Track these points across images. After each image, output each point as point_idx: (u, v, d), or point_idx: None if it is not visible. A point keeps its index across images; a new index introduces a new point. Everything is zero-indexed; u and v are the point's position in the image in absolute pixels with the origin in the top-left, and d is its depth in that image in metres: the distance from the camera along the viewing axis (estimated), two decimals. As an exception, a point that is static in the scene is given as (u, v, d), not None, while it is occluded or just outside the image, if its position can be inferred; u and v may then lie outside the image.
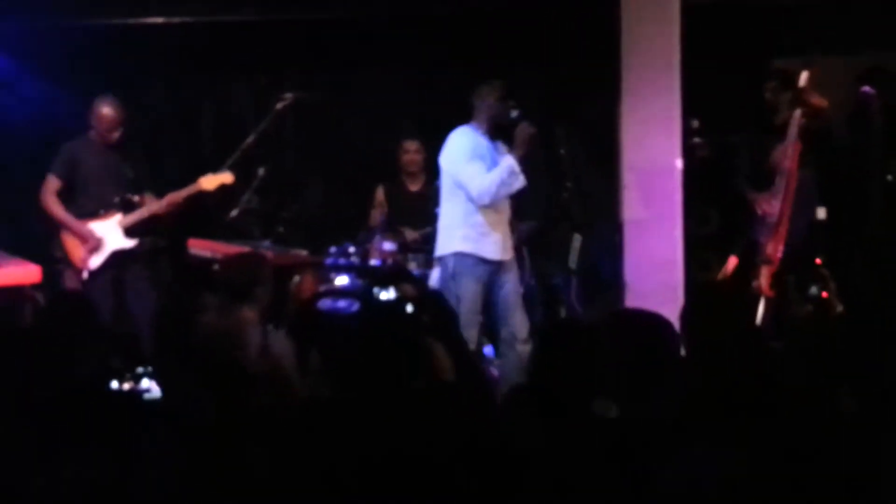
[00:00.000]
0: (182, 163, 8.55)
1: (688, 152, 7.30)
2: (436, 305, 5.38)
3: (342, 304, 6.92)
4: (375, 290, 6.77)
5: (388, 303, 5.71)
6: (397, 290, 6.66)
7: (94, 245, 7.34)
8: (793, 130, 6.99)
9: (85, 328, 4.68)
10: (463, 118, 6.81)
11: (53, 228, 7.46)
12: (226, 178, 7.48)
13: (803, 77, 7.00)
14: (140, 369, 4.59)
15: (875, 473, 3.34)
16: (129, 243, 7.42)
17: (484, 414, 3.96)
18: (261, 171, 7.68)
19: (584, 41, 7.70)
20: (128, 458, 3.61)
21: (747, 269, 6.98)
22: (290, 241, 7.77)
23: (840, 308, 6.53)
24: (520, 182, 6.64)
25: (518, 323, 6.69)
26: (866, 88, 7.27)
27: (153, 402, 4.46)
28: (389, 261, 7.45)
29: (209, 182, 7.44)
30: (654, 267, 6.96)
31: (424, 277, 7.22)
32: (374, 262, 7.45)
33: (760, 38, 8.35)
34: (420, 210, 7.69)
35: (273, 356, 5.14)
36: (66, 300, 5.35)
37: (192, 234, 7.65)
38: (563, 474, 3.51)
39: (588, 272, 8.01)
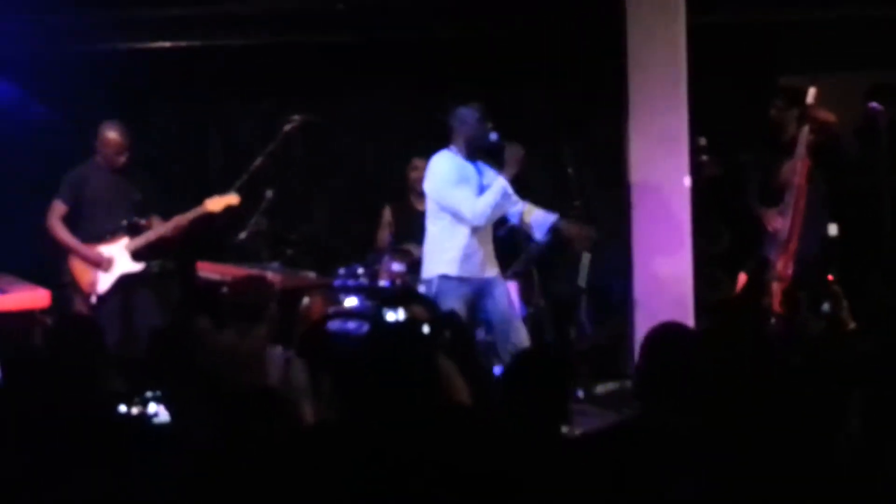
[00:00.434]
0: (190, 186, 8.55)
1: (696, 170, 7.30)
2: (452, 325, 5.37)
3: (352, 325, 6.91)
4: (385, 311, 6.78)
5: (397, 324, 5.70)
6: (407, 310, 6.67)
7: (106, 266, 7.35)
8: (801, 147, 6.99)
9: (91, 352, 4.66)
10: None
11: (60, 253, 7.46)
12: (231, 199, 7.48)
13: (811, 94, 7.00)
14: (149, 393, 4.57)
15: (880, 491, 3.33)
16: (137, 267, 7.42)
17: (500, 436, 3.93)
18: (269, 194, 7.68)
19: (592, 61, 7.71)
20: (136, 482, 3.59)
21: (758, 287, 6.96)
22: (298, 263, 7.76)
23: (853, 325, 6.50)
24: (512, 203, 6.68)
25: (519, 338, 6.70)
26: (874, 104, 7.26)
27: (162, 426, 4.44)
28: (398, 282, 7.43)
29: (215, 204, 7.44)
30: (664, 285, 6.94)
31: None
32: (383, 283, 7.44)
33: (767, 56, 8.36)
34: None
35: (291, 378, 5.14)
36: (72, 324, 5.33)
37: (200, 257, 7.65)
38: (572, 496, 3.50)
39: (598, 291, 8.00)
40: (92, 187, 7.44)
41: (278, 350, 5.36)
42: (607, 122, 7.72)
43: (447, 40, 8.28)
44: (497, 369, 7.14)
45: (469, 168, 6.76)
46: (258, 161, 7.71)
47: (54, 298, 7.29)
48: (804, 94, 7.04)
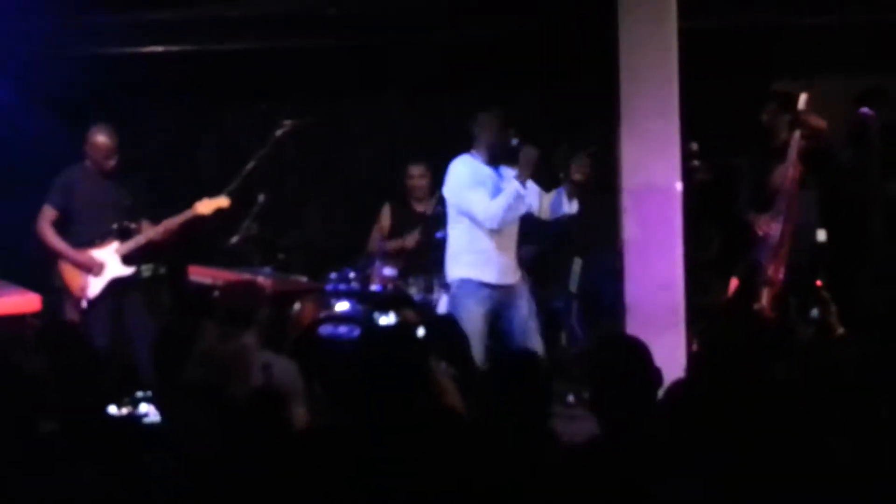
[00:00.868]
0: (183, 190, 8.54)
1: (687, 175, 7.30)
2: (447, 330, 5.38)
3: (343, 329, 6.92)
4: (376, 315, 6.79)
5: (388, 328, 5.71)
6: (398, 315, 6.68)
7: (96, 270, 7.34)
8: (793, 152, 7.00)
9: (76, 355, 4.66)
10: (465, 142, 6.85)
11: (51, 258, 7.45)
12: (222, 202, 7.47)
13: (802, 99, 7.02)
14: (139, 393, 4.57)
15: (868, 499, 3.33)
16: (128, 271, 7.41)
17: (491, 440, 3.93)
18: (261, 198, 7.68)
19: (584, 65, 7.72)
20: (127, 483, 3.59)
21: (749, 292, 6.97)
22: (290, 268, 7.77)
23: (841, 330, 6.52)
24: (526, 206, 6.69)
25: (536, 349, 6.71)
26: (865, 109, 7.28)
27: (152, 426, 4.45)
28: (390, 286, 7.45)
29: (205, 206, 7.44)
30: (655, 290, 6.94)
31: (426, 302, 7.22)
32: (374, 287, 7.46)
33: (759, 60, 8.37)
34: (424, 228, 7.74)
35: (275, 383, 5.13)
36: (54, 329, 5.34)
37: (192, 261, 7.64)
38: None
39: (589, 296, 8.01)
40: (82, 192, 7.43)
41: (266, 354, 5.35)
42: (599, 126, 7.72)
43: (440, 45, 8.28)
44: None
45: (487, 172, 6.76)
46: (250, 165, 7.71)
47: (45, 303, 7.28)
48: (796, 99, 7.05)
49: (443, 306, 6.91)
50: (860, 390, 3.80)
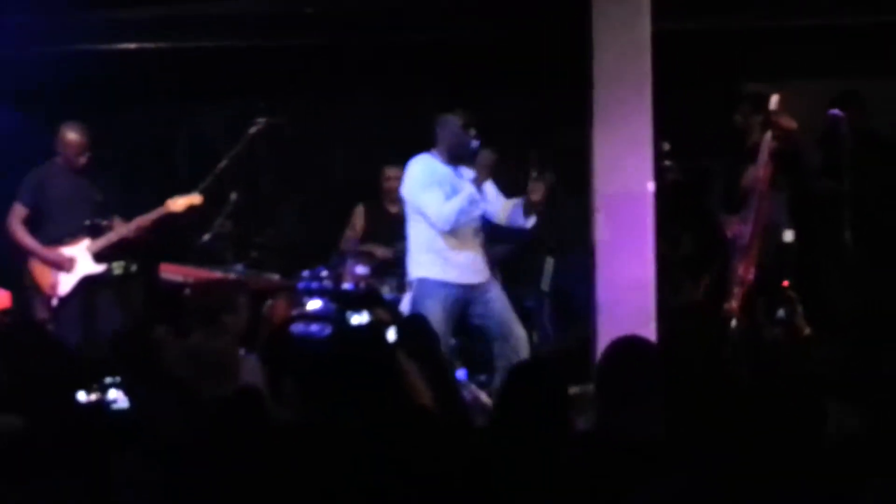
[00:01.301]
0: (156, 188, 8.50)
1: (659, 175, 7.33)
2: (416, 329, 5.38)
3: (315, 328, 6.90)
4: (348, 314, 6.78)
5: (360, 326, 5.71)
6: (370, 313, 6.68)
7: (67, 267, 7.31)
8: (764, 153, 7.03)
9: (39, 348, 4.65)
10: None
11: (21, 257, 7.42)
12: (194, 199, 7.46)
13: (774, 100, 7.05)
14: (108, 379, 4.56)
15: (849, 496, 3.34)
16: (99, 268, 7.39)
17: (460, 438, 3.94)
18: (233, 196, 7.67)
19: (557, 67, 7.73)
20: (98, 472, 3.58)
21: (720, 292, 7.00)
22: (263, 266, 7.75)
23: (808, 331, 6.56)
24: (480, 210, 6.75)
25: (518, 339, 6.73)
26: (835, 111, 7.31)
27: (121, 412, 4.44)
28: (362, 285, 7.44)
29: (177, 204, 7.43)
30: (627, 290, 6.96)
31: (398, 301, 7.22)
32: (346, 286, 7.45)
33: (732, 62, 8.40)
34: (398, 231, 7.70)
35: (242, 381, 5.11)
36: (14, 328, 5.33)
37: (164, 258, 7.62)
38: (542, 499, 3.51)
39: (561, 295, 8.03)
40: (53, 189, 7.41)
41: (241, 352, 5.34)
42: (572, 127, 7.74)
43: (414, 46, 8.29)
44: (460, 373, 7.16)
45: (445, 173, 6.80)
46: (223, 163, 7.70)
47: (15, 301, 7.25)
48: (768, 100, 7.08)
49: (405, 305, 6.91)
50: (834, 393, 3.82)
